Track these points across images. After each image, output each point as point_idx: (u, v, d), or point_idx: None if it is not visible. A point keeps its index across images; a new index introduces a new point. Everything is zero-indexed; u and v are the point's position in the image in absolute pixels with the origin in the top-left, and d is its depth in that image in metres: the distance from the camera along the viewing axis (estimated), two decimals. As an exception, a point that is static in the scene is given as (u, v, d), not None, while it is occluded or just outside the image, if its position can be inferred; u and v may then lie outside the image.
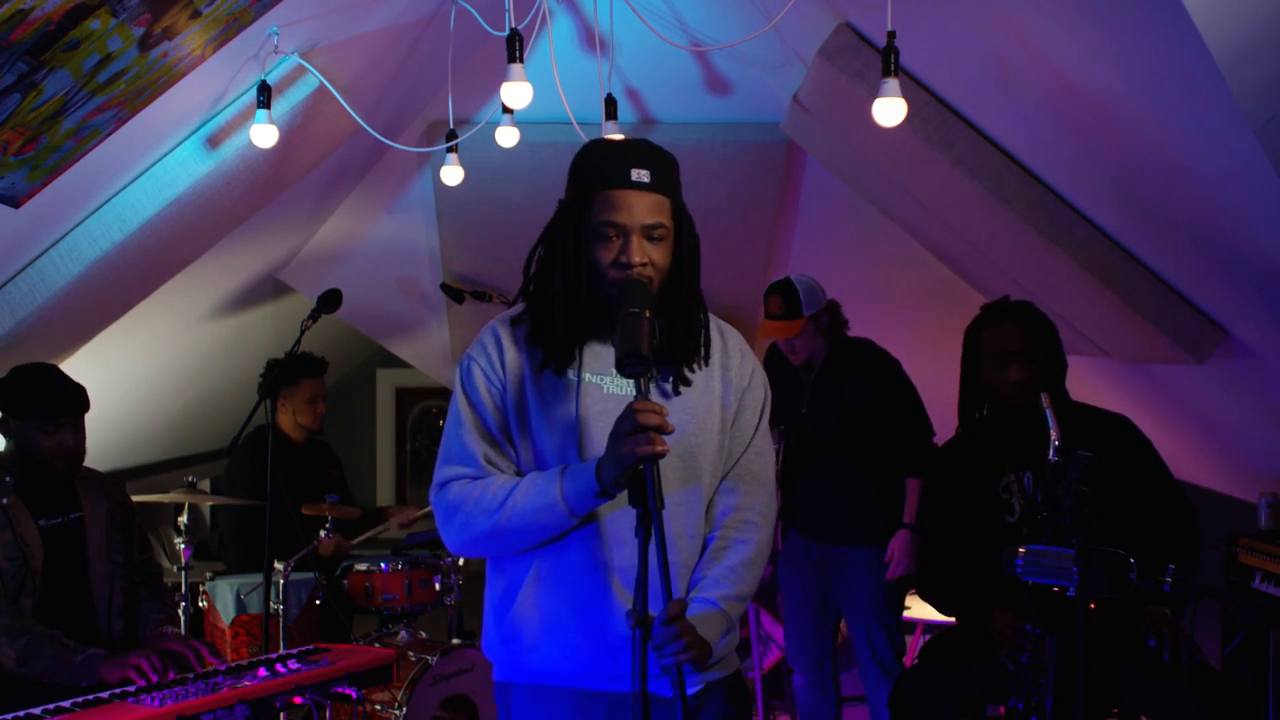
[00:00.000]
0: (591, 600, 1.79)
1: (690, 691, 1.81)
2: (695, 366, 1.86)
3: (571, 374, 1.83)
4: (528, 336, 1.85)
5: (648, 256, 1.77)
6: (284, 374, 4.05)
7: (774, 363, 3.72)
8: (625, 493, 1.68)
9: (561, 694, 1.84)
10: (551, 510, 1.75)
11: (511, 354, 1.85)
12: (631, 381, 1.70)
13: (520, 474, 1.84)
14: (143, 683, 2.56)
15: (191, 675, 2.61)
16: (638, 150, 1.80)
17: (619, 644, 1.75)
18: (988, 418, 2.90)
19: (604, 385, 1.82)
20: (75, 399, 2.83)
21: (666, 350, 1.83)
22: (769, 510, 1.94)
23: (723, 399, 1.89)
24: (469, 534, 1.82)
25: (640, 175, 1.77)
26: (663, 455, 1.63)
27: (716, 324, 1.95)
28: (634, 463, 1.63)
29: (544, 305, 1.83)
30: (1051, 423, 2.36)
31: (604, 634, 1.78)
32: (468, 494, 1.81)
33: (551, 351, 1.82)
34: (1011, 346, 2.79)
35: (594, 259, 1.79)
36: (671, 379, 1.84)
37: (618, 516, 1.78)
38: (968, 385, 2.93)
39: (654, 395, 1.77)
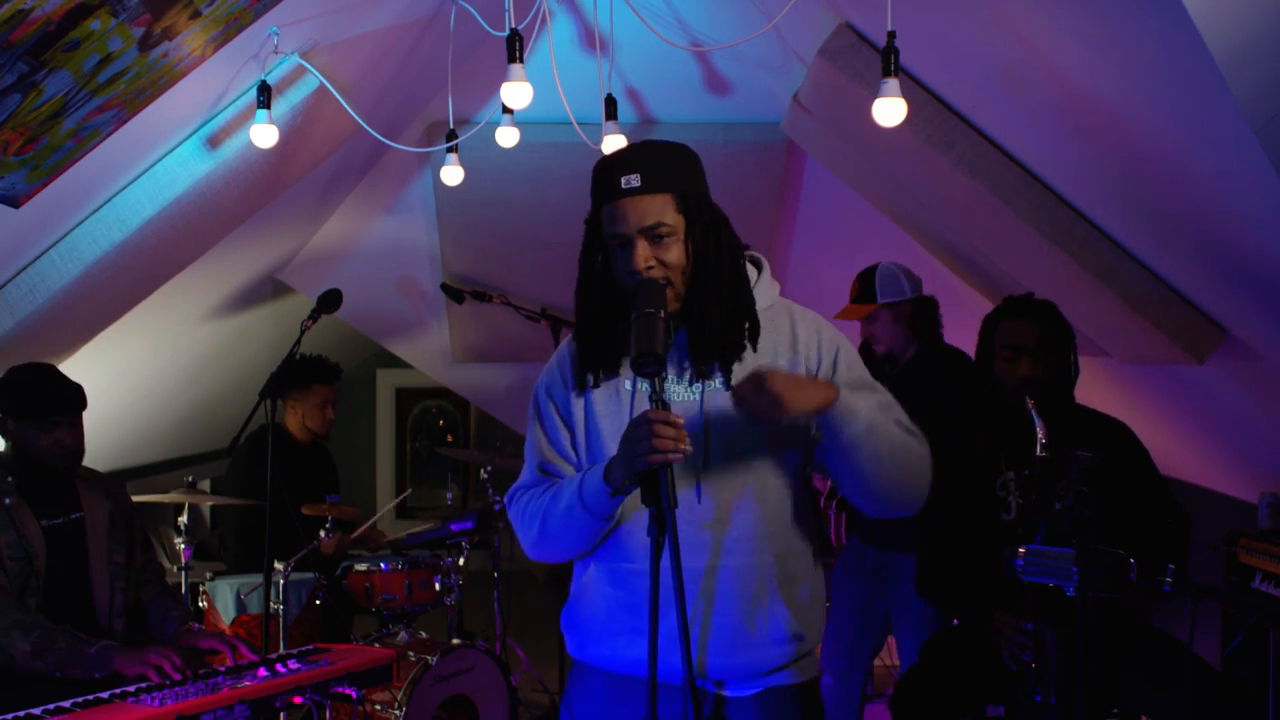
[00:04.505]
0: (635, 601, 1.81)
1: (748, 693, 1.84)
2: (742, 357, 1.83)
3: (628, 383, 1.86)
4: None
5: (653, 258, 1.77)
6: (295, 376, 4.03)
7: (865, 354, 3.64)
8: (680, 497, 1.69)
9: (613, 679, 1.88)
10: (574, 511, 1.81)
11: (575, 370, 1.91)
12: (696, 386, 1.79)
13: None
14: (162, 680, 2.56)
15: (192, 675, 2.61)
16: (626, 156, 1.81)
17: (665, 639, 1.72)
18: (989, 413, 2.89)
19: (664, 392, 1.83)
20: (71, 397, 2.83)
21: (705, 345, 1.82)
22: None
23: None
24: (529, 540, 1.91)
25: (630, 181, 1.77)
26: (677, 460, 1.64)
27: (788, 309, 1.92)
28: (644, 468, 1.65)
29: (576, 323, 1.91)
30: (1037, 422, 2.36)
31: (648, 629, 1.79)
32: (522, 504, 1.92)
33: (584, 367, 1.87)
34: (1025, 342, 2.78)
35: (616, 272, 1.82)
36: (722, 375, 1.83)
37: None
38: (979, 376, 2.92)
39: (716, 393, 1.82)
